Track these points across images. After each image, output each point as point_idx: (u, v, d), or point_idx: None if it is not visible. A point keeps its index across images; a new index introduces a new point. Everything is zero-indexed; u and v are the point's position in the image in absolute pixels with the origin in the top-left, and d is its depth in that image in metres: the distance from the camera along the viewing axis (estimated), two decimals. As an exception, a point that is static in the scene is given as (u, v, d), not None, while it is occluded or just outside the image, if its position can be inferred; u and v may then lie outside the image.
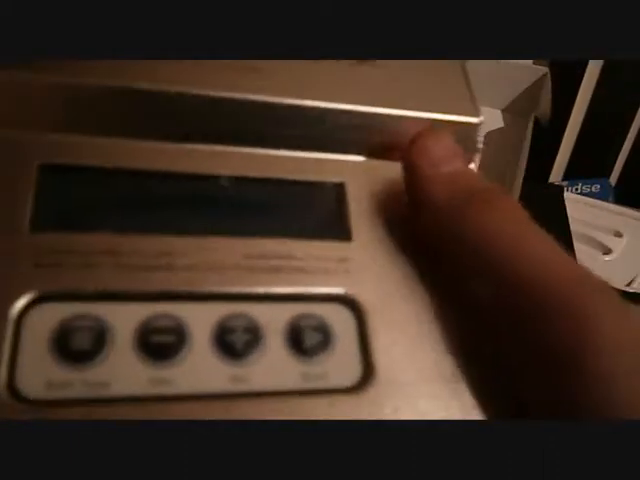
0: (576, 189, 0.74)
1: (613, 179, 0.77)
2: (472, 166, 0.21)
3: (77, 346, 0.16)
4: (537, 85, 0.67)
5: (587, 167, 0.76)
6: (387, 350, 0.18)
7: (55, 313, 0.16)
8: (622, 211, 0.69)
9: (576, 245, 0.62)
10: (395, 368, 0.18)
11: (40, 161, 0.17)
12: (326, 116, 0.19)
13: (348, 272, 0.19)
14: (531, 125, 0.65)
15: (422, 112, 0.20)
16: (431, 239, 0.19)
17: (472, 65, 0.65)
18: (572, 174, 0.77)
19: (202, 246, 0.18)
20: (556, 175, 0.77)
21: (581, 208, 0.68)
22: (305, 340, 0.18)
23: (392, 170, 0.20)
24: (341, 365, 0.18)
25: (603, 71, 0.72)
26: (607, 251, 0.65)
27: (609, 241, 0.66)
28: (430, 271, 0.19)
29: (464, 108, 0.21)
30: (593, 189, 0.74)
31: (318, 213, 0.20)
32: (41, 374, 0.16)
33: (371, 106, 0.20)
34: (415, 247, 0.19)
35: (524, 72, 0.66)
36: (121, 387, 0.16)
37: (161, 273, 0.17)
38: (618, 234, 0.66)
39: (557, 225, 0.64)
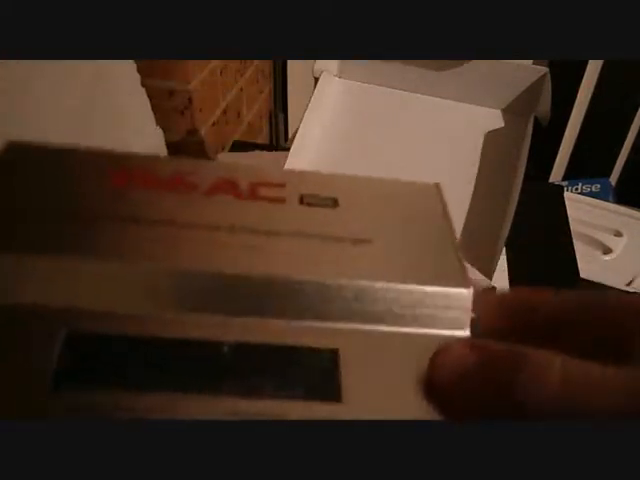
0: (576, 189, 0.74)
1: (613, 179, 0.77)
2: (467, 332, 0.21)
3: None
4: (537, 85, 0.67)
5: (587, 167, 0.77)
6: None
7: None
8: (622, 211, 0.69)
9: (576, 245, 0.62)
10: None
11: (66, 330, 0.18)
12: (331, 291, 0.21)
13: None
14: (531, 125, 0.65)
15: (415, 285, 0.22)
16: None
17: (472, 65, 0.65)
18: (572, 174, 0.77)
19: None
20: (556, 175, 0.77)
21: (581, 208, 0.68)
22: None
23: (383, 339, 0.21)
24: None
25: (603, 71, 0.73)
26: (607, 251, 0.65)
27: (609, 241, 0.66)
28: None
29: (456, 280, 0.23)
30: (593, 189, 0.74)
31: (311, 376, 0.21)
32: None
33: (369, 280, 0.22)
34: None
35: (524, 72, 0.66)
36: None
37: None
38: (618, 234, 0.67)
39: (557, 225, 0.64)
